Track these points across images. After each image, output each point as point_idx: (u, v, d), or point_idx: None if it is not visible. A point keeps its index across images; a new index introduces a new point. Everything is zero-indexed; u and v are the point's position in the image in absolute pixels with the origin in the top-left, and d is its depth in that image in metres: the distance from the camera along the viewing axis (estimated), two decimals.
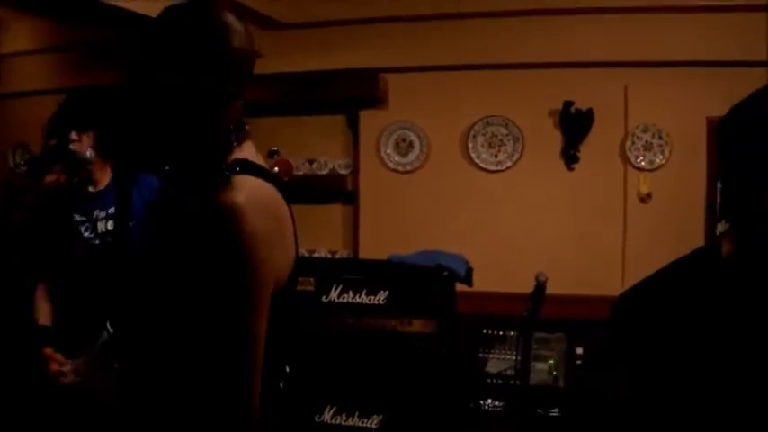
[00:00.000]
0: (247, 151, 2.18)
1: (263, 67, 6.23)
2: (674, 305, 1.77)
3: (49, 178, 6.52)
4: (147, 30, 2.20)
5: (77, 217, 3.81)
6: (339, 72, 6.25)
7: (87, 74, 7.03)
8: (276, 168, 4.04)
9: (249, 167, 2.10)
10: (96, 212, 3.82)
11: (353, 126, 6.50)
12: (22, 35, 6.95)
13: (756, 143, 1.55)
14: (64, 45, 6.92)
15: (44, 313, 3.86)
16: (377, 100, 6.31)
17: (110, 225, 3.77)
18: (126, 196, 3.41)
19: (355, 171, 6.47)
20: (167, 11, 2.22)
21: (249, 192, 2.00)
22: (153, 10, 4.63)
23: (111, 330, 3.26)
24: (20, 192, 6.76)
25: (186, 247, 2.05)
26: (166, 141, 2.17)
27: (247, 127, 2.21)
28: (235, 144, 2.15)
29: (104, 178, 3.94)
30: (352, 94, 6.26)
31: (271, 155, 4.29)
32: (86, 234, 3.78)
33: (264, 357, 2.02)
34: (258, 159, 2.20)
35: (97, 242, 3.79)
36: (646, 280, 1.93)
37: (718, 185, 5.74)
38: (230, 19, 2.21)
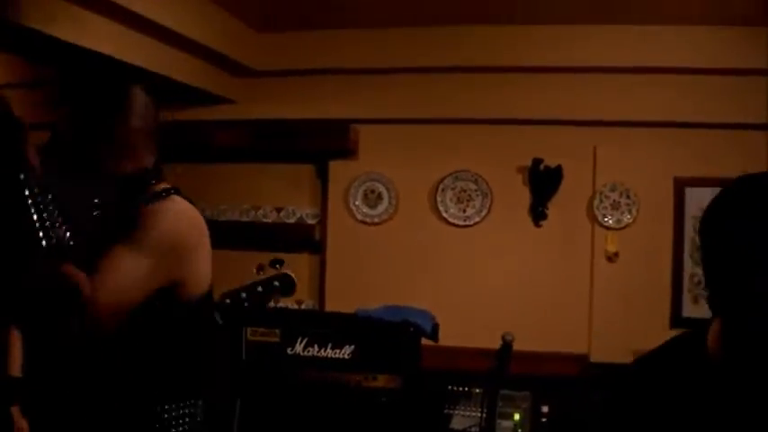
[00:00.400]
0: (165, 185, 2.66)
1: (233, 113, 6.32)
2: (657, 414, 1.76)
3: None
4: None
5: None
6: (310, 121, 6.28)
7: (54, 110, 7.03)
8: (276, 282, 4.05)
9: (174, 191, 2.64)
10: None
11: (323, 176, 6.52)
12: None
13: (747, 222, 1.53)
14: (33, 81, 6.90)
15: (16, 360, 3.77)
16: (347, 150, 6.32)
17: None
18: None
19: (323, 221, 6.48)
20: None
21: (179, 204, 2.60)
22: (101, 45, 4.72)
23: None
24: None
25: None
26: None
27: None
28: (153, 182, 2.63)
29: None
30: (322, 144, 6.27)
31: (273, 264, 4.28)
32: None
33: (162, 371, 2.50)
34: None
35: None
36: (628, 376, 1.90)
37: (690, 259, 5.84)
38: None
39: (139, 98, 2.71)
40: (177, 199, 2.60)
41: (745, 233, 1.51)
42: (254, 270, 4.14)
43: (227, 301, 3.85)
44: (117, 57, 4.92)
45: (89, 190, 2.61)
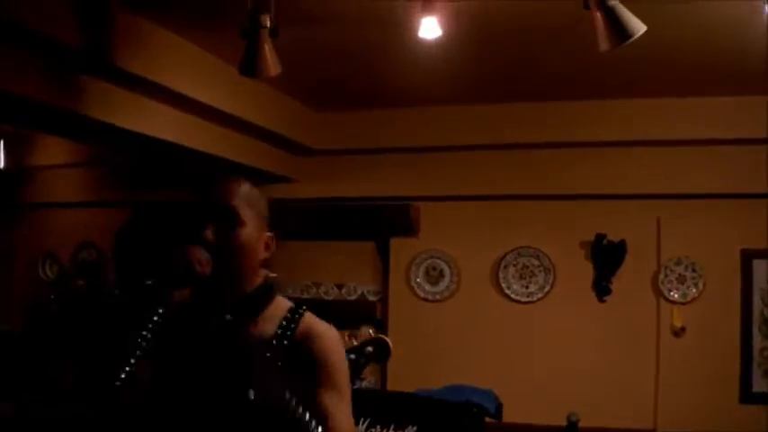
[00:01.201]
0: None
1: (293, 192, 6.43)
2: None
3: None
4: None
5: None
6: (370, 199, 6.38)
7: (113, 189, 7.27)
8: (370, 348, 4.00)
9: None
10: None
11: (384, 253, 6.60)
12: (52, 149, 7.18)
13: None
14: (90, 160, 7.12)
15: None
16: (408, 228, 6.41)
17: None
18: None
19: (384, 298, 6.54)
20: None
21: (317, 319, 2.38)
22: (163, 132, 4.87)
23: None
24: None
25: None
26: None
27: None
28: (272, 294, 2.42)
29: None
30: (383, 222, 6.36)
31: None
32: None
33: None
34: None
35: None
36: None
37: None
38: None
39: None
40: (311, 314, 2.44)
41: None
42: (346, 337, 4.01)
43: None
44: (177, 142, 5.11)
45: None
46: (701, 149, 5.84)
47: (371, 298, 6.60)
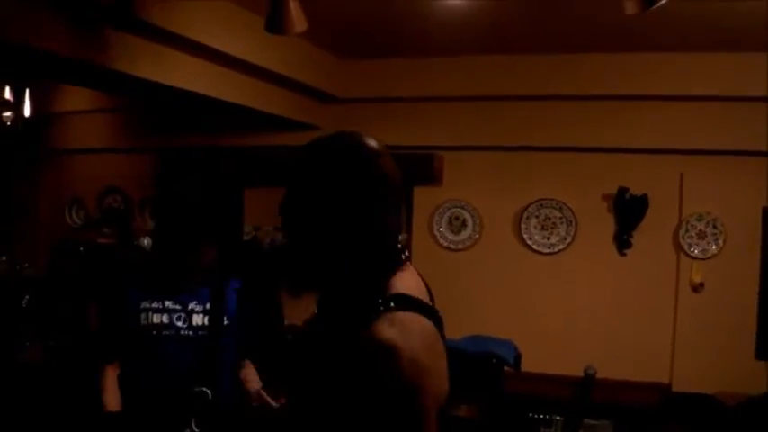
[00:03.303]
0: (405, 280, 2.15)
1: None
2: None
3: (101, 239, 6.75)
4: (305, 164, 2.18)
5: (170, 304, 3.75)
6: (394, 148, 6.50)
7: (139, 135, 7.44)
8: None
9: (404, 301, 2.07)
10: (192, 305, 3.76)
11: (407, 201, 6.73)
12: (77, 95, 7.37)
13: None
14: (116, 107, 7.28)
15: (113, 399, 3.74)
16: (432, 177, 6.59)
17: (206, 320, 3.74)
18: (222, 295, 3.71)
19: (408, 247, 6.68)
20: (318, 144, 2.21)
21: (398, 326, 1.98)
22: (187, 83, 4.96)
23: (195, 430, 3.43)
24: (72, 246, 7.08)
25: (344, 379, 2.05)
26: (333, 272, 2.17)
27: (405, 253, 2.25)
28: (391, 272, 2.13)
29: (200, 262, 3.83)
30: (407, 171, 6.45)
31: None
32: (179, 324, 3.72)
33: None
34: (417, 287, 2.18)
35: (191, 333, 3.73)
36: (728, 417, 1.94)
37: None
38: (379, 146, 2.27)
39: None
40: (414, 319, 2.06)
41: None
42: None
43: None
44: (201, 92, 5.29)
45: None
46: (726, 105, 5.95)
47: None
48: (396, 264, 2.16)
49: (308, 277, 2.22)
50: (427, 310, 2.11)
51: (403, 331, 1.97)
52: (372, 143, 2.25)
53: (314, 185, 2.12)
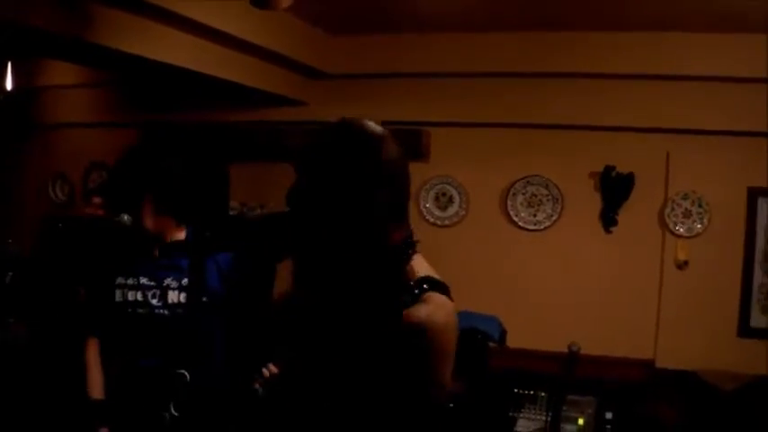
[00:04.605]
0: (421, 264, 2.30)
1: (305, 115, 6.65)
2: None
3: (88, 210, 6.76)
4: (309, 150, 2.28)
5: (145, 281, 3.69)
6: (382, 124, 6.55)
7: (124, 110, 7.45)
8: None
9: (434, 284, 2.22)
10: (168, 281, 3.68)
11: None
12: (61, 69, 7.36)
13: None
14: (101, 81, 7.31)
15: (97, 384, 3.74)
16: (419, 153, 6.64)
17: (182, 297, 3.63)
18: (201, 270, 3.64)
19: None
20: (324, 132, 2.31)
21: (441, 310, 2.18)
22: (173, 57, 4.97)
23: (174, 413, 3.42)
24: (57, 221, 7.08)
25: (378, 361, 2.17)
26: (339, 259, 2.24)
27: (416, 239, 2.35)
28: (410, 256, 2.28)
29: (173, 238, 3.80)
30: None
31: None
32: (154, 301, 3.64)
33: None
34: (432, 271, 2.31)
35: (166, 312, 3.65)
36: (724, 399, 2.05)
37: None
38: (383, 131, 2.36)
39: None
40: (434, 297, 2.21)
41: None
42: None
43: None
44: (188, 67, 5.33)
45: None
46: (714, 86, 6.04)
47: None
48: (412, 247, 2.31)
49: (319, 264, 2.27)
50: (448, 290, 2.27)
51: (444, 313, 2.17)
52: (377, 130, 2.35)
53: (322, 174, 2.20)
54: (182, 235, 3.79)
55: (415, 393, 2.15)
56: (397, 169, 2.28)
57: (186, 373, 3.49)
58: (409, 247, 2.30)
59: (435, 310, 2.15)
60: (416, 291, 2.17)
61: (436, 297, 2.19)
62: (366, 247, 2.21)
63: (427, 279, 2.22)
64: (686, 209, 6.21)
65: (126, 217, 3.63)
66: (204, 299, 3.62)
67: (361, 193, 2.17)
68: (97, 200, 6.49)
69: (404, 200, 2.33)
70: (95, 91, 7.66)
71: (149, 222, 3.67)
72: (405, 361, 2.12)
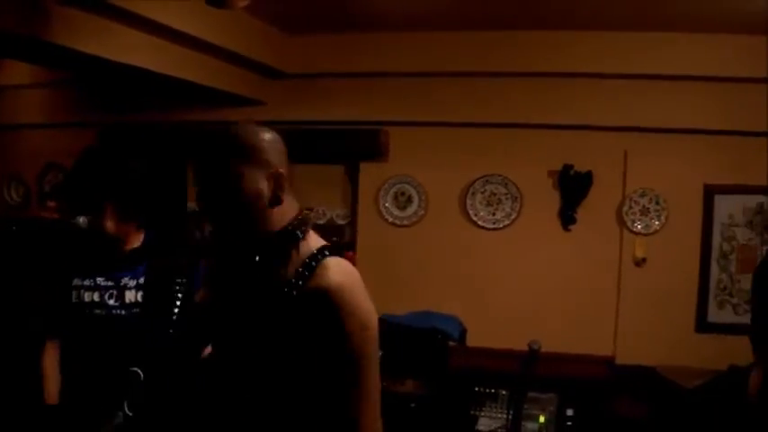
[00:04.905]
0: (317, 240, 2.57)
1: (264, 115, 6.63)
2: None
3: (44, 214, 6.67)
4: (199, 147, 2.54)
5: (101, 281, 3.66)
6: (341, 123, 6.57)
7: (79, 110, 7.37)
8: None
9: (329, 251, 2.50)
10: (125, 280, 3.66)
11: (353, 177, 6.85)
12: (17, 69, 7.26)
13: None
14: (57, 81, 7.22)
15: (53, 387, 3.72)
16: (378, 153, 6.65)
17: (139, 296, 3.62)
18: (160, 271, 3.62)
19: (353, 222, 6.80)
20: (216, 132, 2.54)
21: (337, 267, 2.42)
22: (129, 57, 4.93)
23: (128, 413, 3.39)
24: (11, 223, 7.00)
25: (301, 327, 2.39)
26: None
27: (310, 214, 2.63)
28: (300, 236, 2.52)
29: (134, 242, 3.79)
30: (353, 146, 6.56)
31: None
32: (111, 302, 3.61)
33: None
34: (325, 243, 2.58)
35: (123, 312, 3.63)
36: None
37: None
38: (267, 135, 2.57)
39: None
40: (334, 260, 2.49)
41: None
42: None
43: None
44: (145, 67, 5.28)
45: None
46: (670, 84, 6.12)
47: (340, 222, 6.87)
48: (305, 225, 2.57)
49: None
50: (342, 252, 2.59)
51: (340, 271, 2.41)
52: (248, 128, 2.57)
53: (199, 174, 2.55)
54: (140, 238, 3.78)
55: (334, 348, 2.36)
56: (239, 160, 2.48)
57: (140, 372, 3.46)
58: (300, 226, 2.54)
59: (332, 273, 2.38)
60: (313, 263, 2.42)
61: (331, 261, 2.44)
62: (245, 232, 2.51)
63: (321, 249, 2.48)
64: (644, 206, 6.27)
65: (82, 219, 3.59)
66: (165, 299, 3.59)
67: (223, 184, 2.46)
68: (52, 203, 6.42)
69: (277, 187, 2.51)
70: (52, 91, 7.57)
71: (111, 226, 3.65)
72: (318, 324, 2.35)
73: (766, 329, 1.66)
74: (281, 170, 2.49)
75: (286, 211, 2.53)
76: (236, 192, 2.44)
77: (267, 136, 2.55)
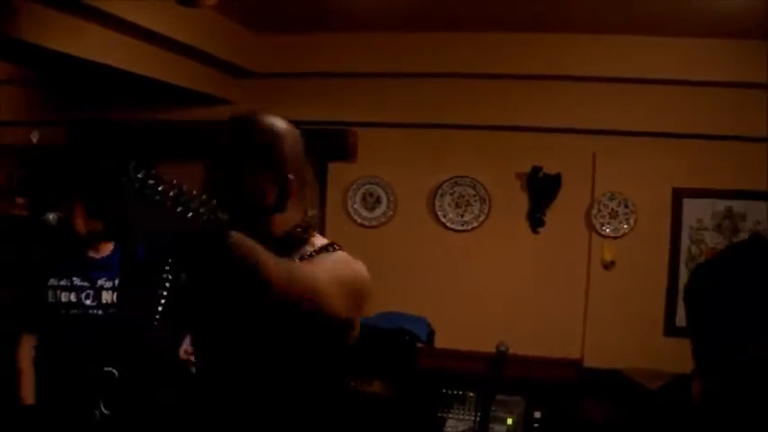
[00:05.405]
0: (320, 240, 2.53)
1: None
2: None
3: (13, 211, 6.62)
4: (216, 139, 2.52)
5: (78, 281, 3.71)
6: (309, 123, 6.55)
7: (49, 107, 7.31)
8: None
9: (334, 247, 2.49)
10: (101, 281, 3.73)
11: (321, 178, 6.82)
12: None
13: (721, 306, 1.69)
14: (26, 79, 7.15)
15: (28, 384, 3.71)
16: (346, 153, 6.64)
17: (116, 297, 3.68)
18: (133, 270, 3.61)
19: (321, 223, 6.77)
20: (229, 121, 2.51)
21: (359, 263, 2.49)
22: (98, 55, 4.90)
23: (104, 411, 3.40)
24: None
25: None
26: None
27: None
28: (305, 236, 2.48)
29: (108, 245, 3.85)
30: (321, 147, 6.54)
31: None
32: (87, 302, 3.67)
33: None
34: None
35: (100, 312, 3.68)
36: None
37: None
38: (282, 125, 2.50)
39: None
40: (344, 254, 2.49)
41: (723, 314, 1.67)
42: None
43: None
44: (114, 65, 5.24)
45: None
46: (639, 88, 6.15)
47: None
48: (310, 227, 2.54)
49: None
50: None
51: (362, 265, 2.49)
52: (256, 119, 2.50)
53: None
54: (110, 247, 3.78)
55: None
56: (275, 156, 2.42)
57: (115, 371, 3.50)
58: (306, 230, 2.50)
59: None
60: (332, 247, 2.48)
61: (341, 254, 2.48)
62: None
63: (331, 243, 2.49)
64: (612, 209, 6.29)
65: (52, 216, 3.59)
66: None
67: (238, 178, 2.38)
68: (20, 200, 6.37)
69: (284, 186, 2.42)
70: (20, 89, 7.50)
71: (80, 225, 3.64)
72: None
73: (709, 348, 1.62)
74: (290, 175, 2.41)
75: (290, 216, 2.44)
76: (239, 189, 2.37)
77: (284, 133, 2.46)
